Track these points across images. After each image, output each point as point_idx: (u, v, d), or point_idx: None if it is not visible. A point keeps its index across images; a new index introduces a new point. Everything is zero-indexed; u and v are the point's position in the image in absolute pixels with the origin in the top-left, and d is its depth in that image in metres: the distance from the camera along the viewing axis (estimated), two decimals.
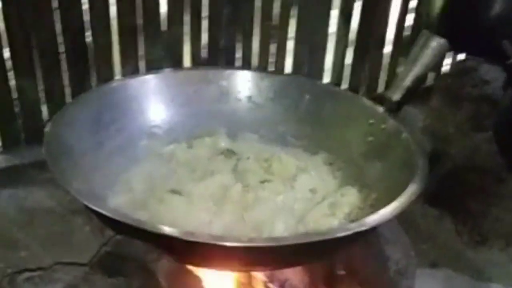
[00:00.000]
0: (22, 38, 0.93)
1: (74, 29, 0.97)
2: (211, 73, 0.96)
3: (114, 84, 0.88)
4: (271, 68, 1.25)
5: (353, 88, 1.38)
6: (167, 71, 0.96)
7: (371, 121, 0.92)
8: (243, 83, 0.97)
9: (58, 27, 0.96)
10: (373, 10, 1.30)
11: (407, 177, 0.77)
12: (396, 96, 0.90)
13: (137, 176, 0.83)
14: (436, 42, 0.86)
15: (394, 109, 0.90)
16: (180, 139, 0.91)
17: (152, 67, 1.07)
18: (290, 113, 0.97)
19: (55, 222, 0.67)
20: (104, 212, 0.64)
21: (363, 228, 0.68)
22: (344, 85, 1.37)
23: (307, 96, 0.97)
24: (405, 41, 1.37)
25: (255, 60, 1.22)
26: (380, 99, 1.35)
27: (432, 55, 0.88)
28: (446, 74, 1.28)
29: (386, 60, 1.40)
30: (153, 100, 0.90)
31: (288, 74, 1.15)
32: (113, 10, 1.01)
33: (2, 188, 0.98)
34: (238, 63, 1.20)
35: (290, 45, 1.27)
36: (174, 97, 0.92)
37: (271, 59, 1.25)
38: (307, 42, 1.27)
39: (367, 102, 0.95)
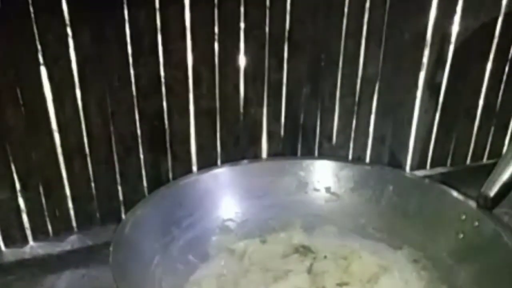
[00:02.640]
0: (100, 125, 0.94)
1: (151, 114, 0.97)
2: (288, 163, 0.94)
3: (187, 179, 0.87)
4: (352, 144, 1.19)
5: (438, 160, 1.30)
6: (243, 163, 0.95)
7: (463, 217, 0.85)
8: (322, 173, 0.94)
9: (136, 111, 0.96)
10: (462, 78, 1.21)
11: (509, 284, 0.70)
12: (492, 192, 0.82)
13: (207, 276, 0.80)
14: None
15: (489, 206, 0.82)
16: (253, 233, 0.88)
17: (228, 149, 1.05)
18: (371, 205, 0.92)
19: None
20: None
21: None
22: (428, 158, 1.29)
23: (391, 187, 0.92)
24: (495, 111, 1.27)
25: (334, 137, 1.17)
26: (467, 173, 1.28)
27: None
28: None
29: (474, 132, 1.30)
30: (228, 193, 0.89)
31: (369, 164, 1.10)
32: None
33: (75, 268, 0.98)
34: (317, 139, 1.15)
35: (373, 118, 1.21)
36: (249, 190, 0.90)
37: (352, 134, 1.19)
38: (391, 115, 1.20)
39: (458, 195, 0.88)
